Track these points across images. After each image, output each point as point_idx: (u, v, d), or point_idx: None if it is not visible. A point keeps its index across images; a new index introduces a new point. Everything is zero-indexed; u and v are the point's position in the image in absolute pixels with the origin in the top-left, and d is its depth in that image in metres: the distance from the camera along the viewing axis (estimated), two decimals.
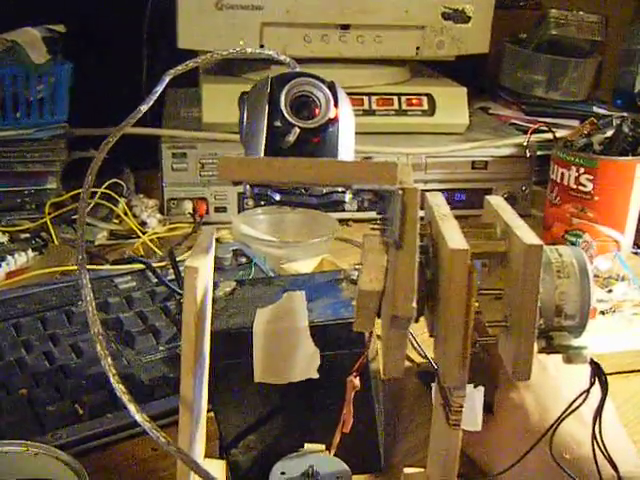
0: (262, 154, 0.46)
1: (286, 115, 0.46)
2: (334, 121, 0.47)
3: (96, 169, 0.47)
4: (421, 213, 0.42)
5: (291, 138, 0.46)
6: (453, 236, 0.40)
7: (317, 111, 0.47)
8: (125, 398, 0.41)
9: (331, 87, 0.49)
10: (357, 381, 0.49)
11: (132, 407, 0.41)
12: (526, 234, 0.40)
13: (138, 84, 1.40)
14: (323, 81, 0.48)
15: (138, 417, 0.41)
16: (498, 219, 0.45)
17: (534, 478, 0.56)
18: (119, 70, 1.32)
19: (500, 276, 0.44)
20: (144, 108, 0.52)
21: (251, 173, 0.40)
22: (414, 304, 0.38)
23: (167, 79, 0.54)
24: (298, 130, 0.46)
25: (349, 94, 0.51)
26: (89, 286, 0.44)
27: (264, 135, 0.46)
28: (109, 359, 0.42)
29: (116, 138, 0.49)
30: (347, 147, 0.48)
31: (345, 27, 1.19)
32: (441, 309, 0.40)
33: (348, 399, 0.50)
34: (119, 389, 0.42)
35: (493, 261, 0.45)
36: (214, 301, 0.55)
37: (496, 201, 0.47)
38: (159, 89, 0.53)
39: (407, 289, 0.37)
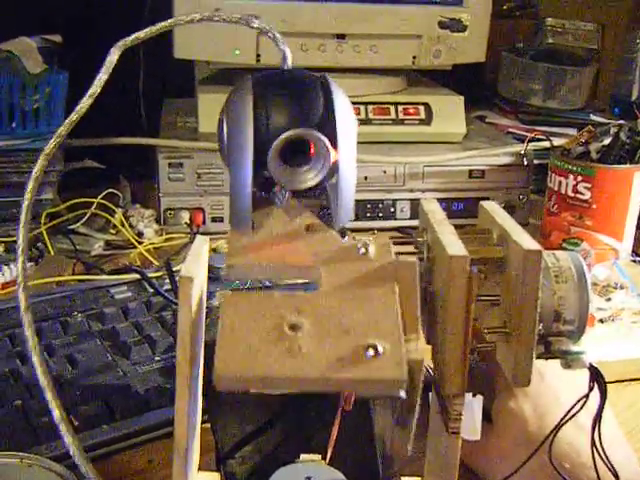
0: (250, 207, 0.41)
1: (275, 175, 0.41)
2: (334, 165, 0.41)
3: (45, 163, 0.44)
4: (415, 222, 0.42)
5: (283, 204, 0.43)
6: (452, 242, 0.40)
7: (312, 151, 0.41)
8: (63, 429, 0.41)
9: (326, 90, 0.43)
10: None
11: (69, 439, 0.41)
12: (525, 239, 0.40)
13: (134, 95, 1.40)
14: (314, 82, 0.44)
15: (72, 449, 0.41)
16: (494, 225, 0.45)
17: None
18: (115, 81, 1.32)
19: (497, 282, 0.43)
20: (96, 90, 0.50)
21: (249, 384, 0.36)
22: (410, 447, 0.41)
23: (118, 52, 0.52)
24: (289, 194, 0.42)
25: None
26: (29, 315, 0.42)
27: (250, 186, 0.41)
28: (52, 392, 0.42)
29: (73, 124, 0.47)
30: (347, 199, 0.42)
31: (341, 37, 1.19)
32: (440, 316, 0.40)
33: None
34: (60, 418, 0.41)
35: (490, 267, 0.45)
36: (209, 311, 0.55)
37: (491, 207, 0.47)
38: (108, 66, 0.51)
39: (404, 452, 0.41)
